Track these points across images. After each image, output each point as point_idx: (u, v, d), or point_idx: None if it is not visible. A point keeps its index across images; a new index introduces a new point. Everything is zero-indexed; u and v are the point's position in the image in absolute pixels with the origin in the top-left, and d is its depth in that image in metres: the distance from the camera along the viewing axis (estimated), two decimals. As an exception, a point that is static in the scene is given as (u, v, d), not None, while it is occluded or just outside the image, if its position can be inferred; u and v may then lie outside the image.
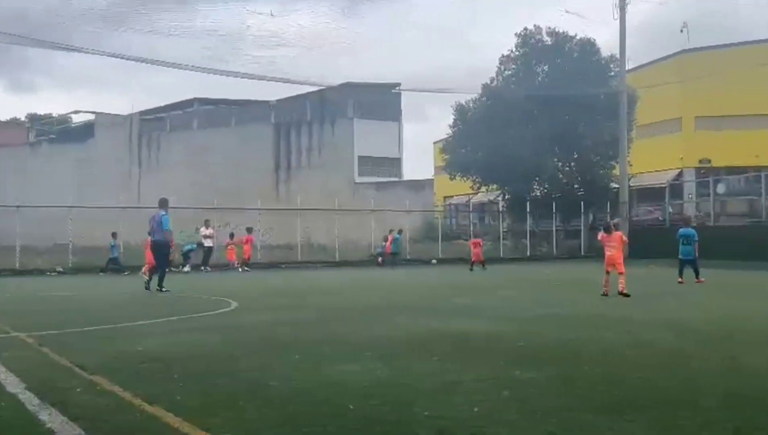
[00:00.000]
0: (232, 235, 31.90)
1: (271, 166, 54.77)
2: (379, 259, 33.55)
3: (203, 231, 30.72)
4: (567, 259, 37.31)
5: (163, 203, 18.13)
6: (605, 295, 14.69)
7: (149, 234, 18.38)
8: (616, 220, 23.30)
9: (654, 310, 12.33)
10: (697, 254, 19.08)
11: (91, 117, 63.24)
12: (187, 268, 29.19)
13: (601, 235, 15.72)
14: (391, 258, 33.10)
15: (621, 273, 14.95)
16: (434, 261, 35.52)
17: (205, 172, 51.40)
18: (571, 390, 5.97)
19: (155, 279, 17.62)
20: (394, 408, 5.42)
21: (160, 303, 15.02)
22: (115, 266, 28.56)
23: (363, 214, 37.41)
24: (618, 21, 37.79)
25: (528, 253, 38.44)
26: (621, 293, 14.53)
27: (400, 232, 34.57)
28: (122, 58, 35.08)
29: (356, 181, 51.48)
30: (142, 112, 62.42)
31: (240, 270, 29.92)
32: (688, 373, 6.70)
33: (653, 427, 4.81)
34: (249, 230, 31.52)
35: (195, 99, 60.18)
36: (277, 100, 56.93)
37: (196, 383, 6.41)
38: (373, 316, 11.90)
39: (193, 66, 34.99)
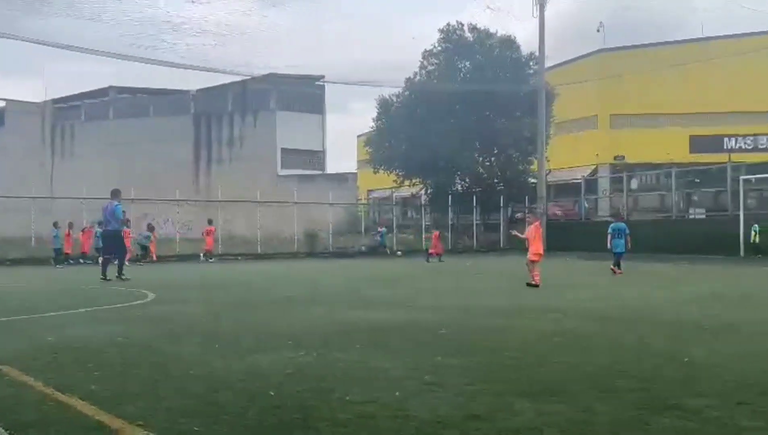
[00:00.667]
0: (151, 228, 31.14)
1: (190, 157, 53.73)
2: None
3: (120, 222, 29.86)
4: (487, 252, 37.93)
5: (116, 193, 18.40)
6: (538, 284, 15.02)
7: (99, 224, 18.24)
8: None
9: (572, 299, 12.65)
10: (629, 247, 19.98)
11: (1, 104, 60.71)
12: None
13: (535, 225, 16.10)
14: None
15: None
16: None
17: (122, 163, 49.98)
18: (494, 375, 6.05)
19: (112, 269, 17.72)
20: (316, 394, 5.38)
21: (75, 294, 14.58)
22: (58, 257, 27.63)
23: (285, 207, 37.12)
24: (537, 19, 38.64)
25: (450, 246, 38.91)
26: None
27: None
28: (35, 43, 33.70)
29: (279, 173, 51.03)
30: (55, 100, 60.26)
31: (204, 260, 30.03)
32: (605, 357, 6.88)
33: (574, 408, 4.91)
34: (210, 222, 31.38)
35: (111, 87, 58.45)
36: (198, 90, 55.84)
37: (112, 373, 6.22)
38: (294, 307, 11.82)
39: (109, 52, 33.94)
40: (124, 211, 20.21)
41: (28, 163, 53.92)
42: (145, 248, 29.39)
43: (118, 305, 12.06)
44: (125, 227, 18.60)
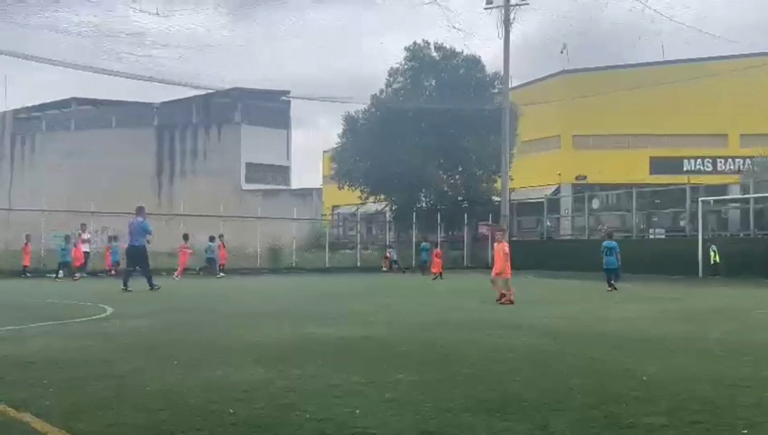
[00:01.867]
0: (113, 239, 30.71)
1: (153, 169, 53.20)
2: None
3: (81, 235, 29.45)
4: (450, 269, 38.02)
5: (140, 210, 19.97)
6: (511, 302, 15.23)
7: (114, 239, 20.48)
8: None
9: (531, 316, 12.74)
10: (619, 263, 21.10)
11: (-41, 113, 59.59)
12: (60, 274, 27.95)
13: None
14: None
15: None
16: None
17: (83, 175, 49.31)
18: (452, 392, 6.08)
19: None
20: (274, 410, 5.36)
21: (31, 308, 14.30)
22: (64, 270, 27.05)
23: (249, 222, 36.90)
24: (502, 39, 39.11)
25: (414, 263, 38.96)
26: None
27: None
28: (-5, 52, 33.15)
29: (243, 187, 50.77)
30: (15, 111, 59.29)
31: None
32: (559, 374, 6.95)
33: (529, 425, 4.95)
34: (186, 238, 30.25)
35: (73, 99, 57.71)
36: (161, 103, 55.42)
37: (67, 388, 6.13)
38: (254, 322, 11.74)
39: (72, 63, 33.52)
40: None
41: (-14, 173, 52.96)
42: (209, 260, 29.67)
43: (76, 320, 11.87)
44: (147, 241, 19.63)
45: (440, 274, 28.34)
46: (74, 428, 4.76)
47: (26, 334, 9.98)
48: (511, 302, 15.26)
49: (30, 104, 59.82)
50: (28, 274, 27.55)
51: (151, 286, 19.04)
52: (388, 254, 37.91)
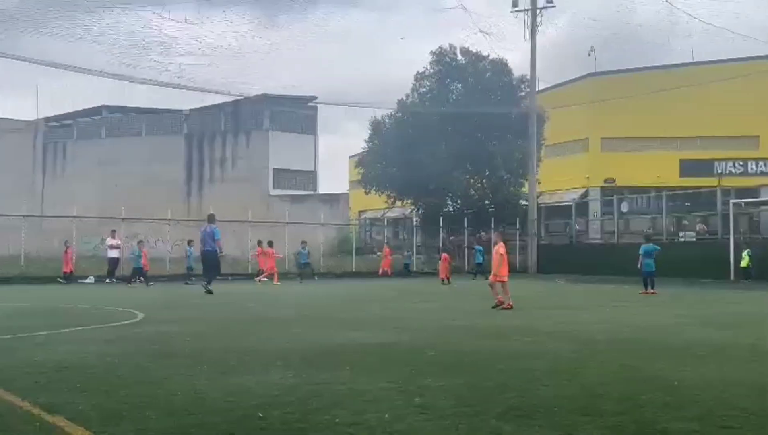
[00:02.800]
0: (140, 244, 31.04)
1: (182, 176, 53.66)
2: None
3: (109, 241, 29.80)
4: (477, 273, 37.87)
5: (212, 218, 21.69)
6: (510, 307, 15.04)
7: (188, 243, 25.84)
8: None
9: (557, 322, 12.68)
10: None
11: (-7, 122, 60.55)
12: (90, 280, 28.38)
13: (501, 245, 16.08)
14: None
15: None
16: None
17: (113, 182, 49.88)
18: (480, 397, 6.08)
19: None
20: (304, 415, 5.40)
21: (64, 314, 14.51)
22: (139, 276, 27.07)
23: (277, 227, 37.08)
24: (529, 43, 39.03)
25: (437, 267, 38.90)
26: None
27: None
28: (28, 61, 33.75)
29: (271, 193, 51.02)
30: (47, 119, 60.15)
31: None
32: (588, 380, 6.92)
33: (557, 431, 4.94)
34: (269, 244, 30.45)
35: (104, 106, 58.40)
36: (190, 110, 55.88)
37: (100, 393, 6.22)
38: (284, 328, 11.80)
39: (103, 72, 34.00)
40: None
41: (20, 181, 53.74)
42: (305, 265, 30.31)
43: (108, 325, 12.02)
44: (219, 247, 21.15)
45: (448, 279, 28.37)
46: (108, 432, 4.84)
47: (60, 339, 10.13)
48: (510, 307, 14.91)
49: (61, 112, 60.61)
50: (61, 280, 27.92)
51: (208, 289, 20.42)
52: (387, 256, 37.24)
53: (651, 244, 21.93)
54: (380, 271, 34.68)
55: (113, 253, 29.49)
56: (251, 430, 4.98)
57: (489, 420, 5.24)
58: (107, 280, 28.57)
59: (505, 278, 15.44)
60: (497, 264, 15.46)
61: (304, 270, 30.04)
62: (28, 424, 5.12)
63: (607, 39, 74.95)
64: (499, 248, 15.76)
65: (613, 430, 5.00)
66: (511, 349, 9.15)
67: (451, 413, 5.45)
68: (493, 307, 15.01)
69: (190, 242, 28.87)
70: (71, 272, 28.51)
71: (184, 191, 52.77)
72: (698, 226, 37.02)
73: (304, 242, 30.92)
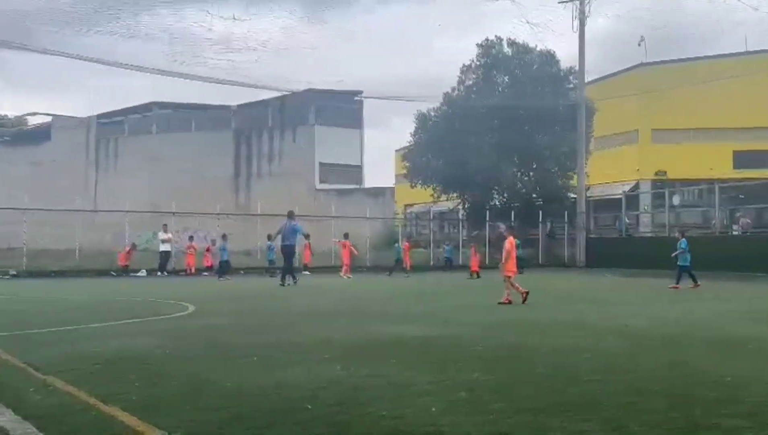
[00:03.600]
0: (191, 238, 31.56)
1: (230, 172, 54.32)
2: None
3: (161, 235, 30.39)
4: (525, 267, 37.61)
5: (291, 214, 22.97)
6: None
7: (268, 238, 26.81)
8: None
9: (604, 316, 12.54)
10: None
11: (48, 119, 62.09)
12: (142, 273, 28.97)
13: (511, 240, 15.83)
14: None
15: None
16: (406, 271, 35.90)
17: (164, 177, 50.78)
18: (526, 392, 6.06)
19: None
20: (350, 408, 5.46)
21: (117, 306, 14.85)
22: (225, 269, 27.37)
23: (323, 221, 37.33)
24: (577, 34, 38.53)
25: (487, 262, 38.74)
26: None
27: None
28: (81, 59, 34.55)
29: (317, 187, 51.35)
30: (100, 115, 61.42)
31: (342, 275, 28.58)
32: (637, 375, 6.84)
33: (605, 427, 4.91)
34: (346, 236, 30.71)
35: (154, 103, 59.42)
36: (238, 106, 56.53)
37: (152, 384, 6.37)
38: (329, 321, 11.90)
39: (153, 69, 34.65)
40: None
41: (73, 177, 55.03)
42: (399, 261, 30.51)
43: (160, 317, 12.28)
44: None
45: (477, 273, 28.11)
46: (159, 422, 4.96)
47: (113, 331, 10.38)
48: (509, 302, 14.74)
49: (113, 109, 61.88)
50: (114, 273, 28.58)
51: (286, 281, 21.71)
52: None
53: (683, 239, 21.66)
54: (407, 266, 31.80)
55: (165, 247, 30.09)
56: (299, 421, 5.05)
57: (536, 415, 5.22)
58: (159, 274, 29.14)
59: (511, 274, 15.33)
60: (505, 259, 15.42)
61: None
62: (85, 414, 5.27)
63: (657, 28, 73.59)
64: (507, 243, 15.68)
65: (663, 426, 4.94)
66: (558, 343, 9.09)
67: (497, 408, 5.45)
68: (523, 301, 14.76)
69: (224, 236, 28.78)
70: (125, 266, 29.18)
71: (232, 186, 53.43)
72: (741, 221, 36.06)
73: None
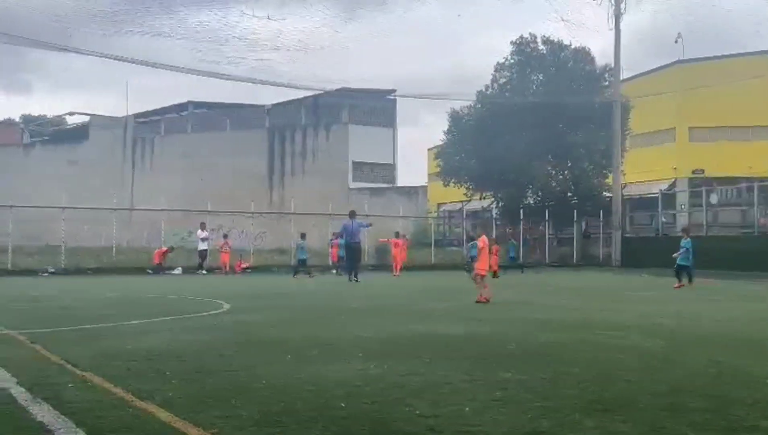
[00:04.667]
0: (225, 236, 31.85)
1: (264, 170, 54.72)
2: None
3: (199, 233, 30.72)
4: (559, 267, 37.39)
5: (353, 214, 24.52)
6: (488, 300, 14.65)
7: (336, 236, 27.57)
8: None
9: (640, 316, 12.38)
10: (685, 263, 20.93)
11: (86, 118, 63.08)
12: (177, 271, 29.33)
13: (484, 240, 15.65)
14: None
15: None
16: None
17: (199, 176, 51.31)
18: (562, 391, 6.01)
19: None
20: (384, 406, 5.46)
21: (153, 304, 15.03)
22: (303, 268, 27.43)
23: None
24: (613, 31, 38.11)
25: (521, 260, 38.50)
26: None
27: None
28: (118, 59, 35.03)
29: (350, 186, 51.48)
30: (136, 115, 62.26)
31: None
32: (674, 376, 6.74)
33: (642, 427, 4.85)
34: (397, 234, 30.70)
35: (189, 102, 60.07)
36: (272, 105, 56.92)
37: (188, 381, 6.43)
38: (363, 319, 11.91)
39: (188, 68, 35.01)
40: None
41: (110, 175, 55.85)
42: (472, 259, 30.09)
43: (195, 315, 12.39)
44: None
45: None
46: (195, 419, 5.00)
47: (149, 328, 10.50)
48: (487, 301, 14.53)
49: (149, 108, 62.69)
50: (150, 272, 28.95)
51: (356, 278, 22.62)
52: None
53: (686, 240, 21.45)
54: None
55: (203, 245, 30.38)
56: (334, 419, 5.06)
57: (571, 414, 5.18)
58: (200, 272, 29.43)
59: (483, 272, 15.24)
60: (479, 257, 15.33)
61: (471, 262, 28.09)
62: (121, 410, 5.34)
63: (694, 25, 72.47)
64: (479, 243, 15.58)
65: (700, 426, 4.87)
66: (593, 342, 9.00)
67: (532, 407, 5.41)
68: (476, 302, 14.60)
69: (303, 235, 28.67)
70: (160, 264, 29.55)
71: (266, 184, 53.80)
72: (761, 220, 35.25)
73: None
